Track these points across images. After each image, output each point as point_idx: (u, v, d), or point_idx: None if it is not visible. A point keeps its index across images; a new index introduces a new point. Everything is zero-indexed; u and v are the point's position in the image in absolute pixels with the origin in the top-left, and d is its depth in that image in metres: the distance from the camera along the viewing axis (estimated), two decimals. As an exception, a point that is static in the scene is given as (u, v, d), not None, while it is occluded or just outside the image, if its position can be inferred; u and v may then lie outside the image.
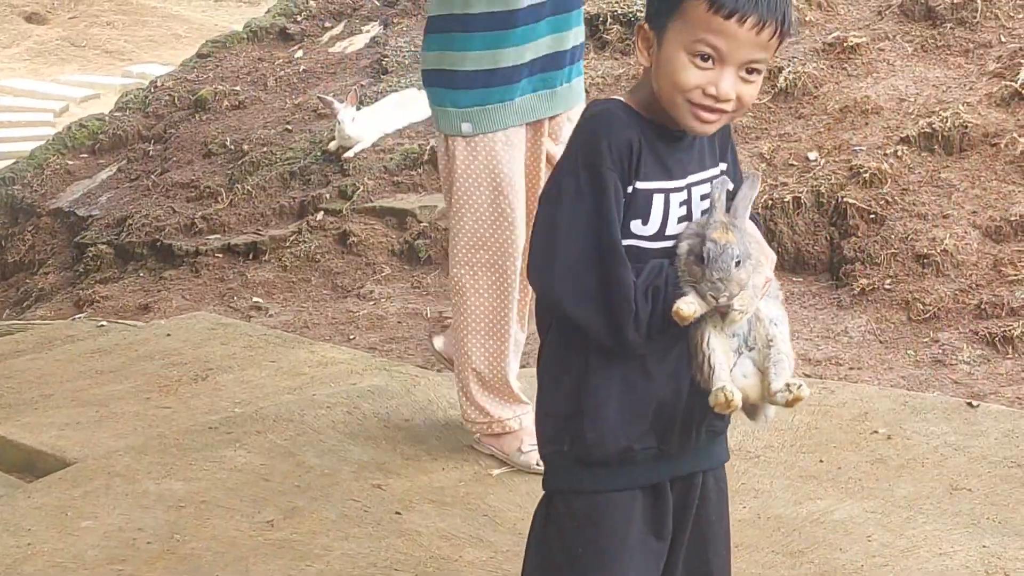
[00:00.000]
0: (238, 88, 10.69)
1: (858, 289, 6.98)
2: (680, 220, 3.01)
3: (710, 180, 3.06)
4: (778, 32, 2.91)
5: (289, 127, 9.92)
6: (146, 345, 7.19)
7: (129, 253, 9.31)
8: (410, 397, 5.97)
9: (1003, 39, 8.03)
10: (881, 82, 8.08)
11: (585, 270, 2.95)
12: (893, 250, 7.02)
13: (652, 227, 3.00)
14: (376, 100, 9.54)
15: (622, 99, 3.07)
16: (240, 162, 9.63)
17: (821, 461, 5.18)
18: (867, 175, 7.36)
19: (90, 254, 9.48)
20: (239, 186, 9.35)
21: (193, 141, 10.24)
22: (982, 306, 6.62)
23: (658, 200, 2.99)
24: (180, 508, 5.02)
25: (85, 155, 11.05)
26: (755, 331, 2.98)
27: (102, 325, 7.96)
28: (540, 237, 3.03)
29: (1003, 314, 6.56)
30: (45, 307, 9.18)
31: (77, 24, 23.65)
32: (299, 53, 11.11)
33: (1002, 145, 7.25)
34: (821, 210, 7.40)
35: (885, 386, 6.15)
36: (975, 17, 8.19)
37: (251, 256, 8.75)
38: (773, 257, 3.07)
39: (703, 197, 3.04)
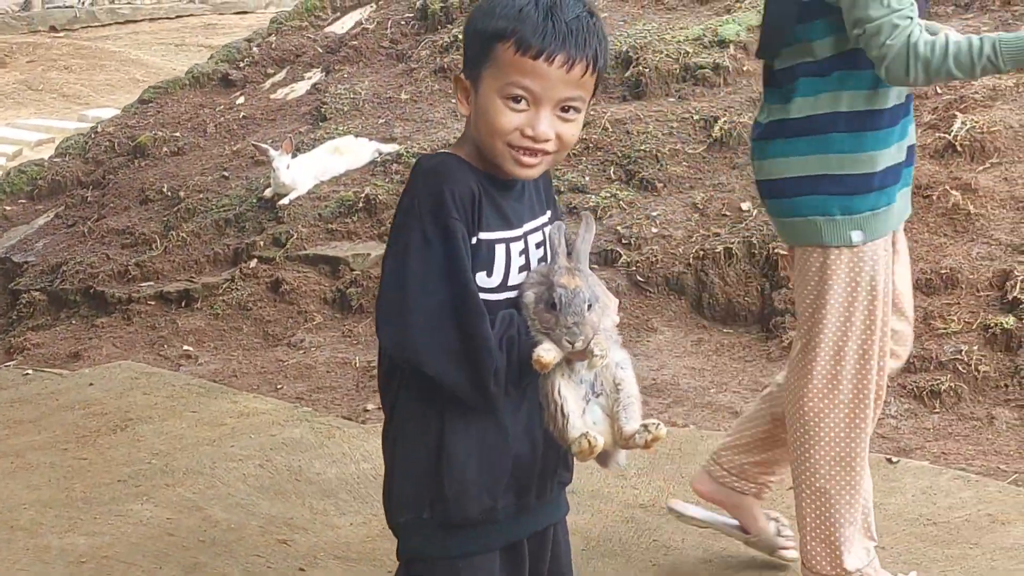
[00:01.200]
0: (178, 134, 10.61)
1: (788, 341, 6.91)
2: (520, 269, 2.98)
3: (542, 228, 3.04)
4: (590, 70, 2.90)
5: (226, 174, 9.84)
6: (68, 395, 7.10)
7: (62, 300, 9.20)
8: (324, 449, 5.89)
9: (939, 90, 7.99)
10: (816, 132, 8.04)
11: (444, 323, 2.89)
12: (823, 302, 6.94)
13: (496, 278, 2.96)
14: (314, 147, 9.47)
15: (451, 152, 3.04)
16: (176, 209, 9.54)
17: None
18: (799, 226, 7.30)
19: (23, 301, 9.37)
20: (174, 233, 9.26)
21: (131, 187, 10.14)
22: (911, 360, 6.54)
23: (500, 250, 2.96)
24: (81, 563, 4.93)
25: (24, 200, 10.95)
26: (602, 376, 2.93)
27: (27, 374, 7.85)
28: (390, 293, 2.94)
29: (931, 368, 6.50)
30: (-25, 354, 9.07)
31: (35, 68, 23.54)
32: (241, 99, 11.04)
33: (934, 197, 7.21)
34: (753, 261, 7.34)
35: (810, 440, 6.07)
36: (911, 68, 8.16)
37: (183, 304, 8.65)
38: (615, 301, 3.05)
39: (538, 245, 3.02)
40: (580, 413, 2.89)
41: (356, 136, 9.51)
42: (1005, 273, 6.72)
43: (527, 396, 2.95)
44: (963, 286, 6.78)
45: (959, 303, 6.73)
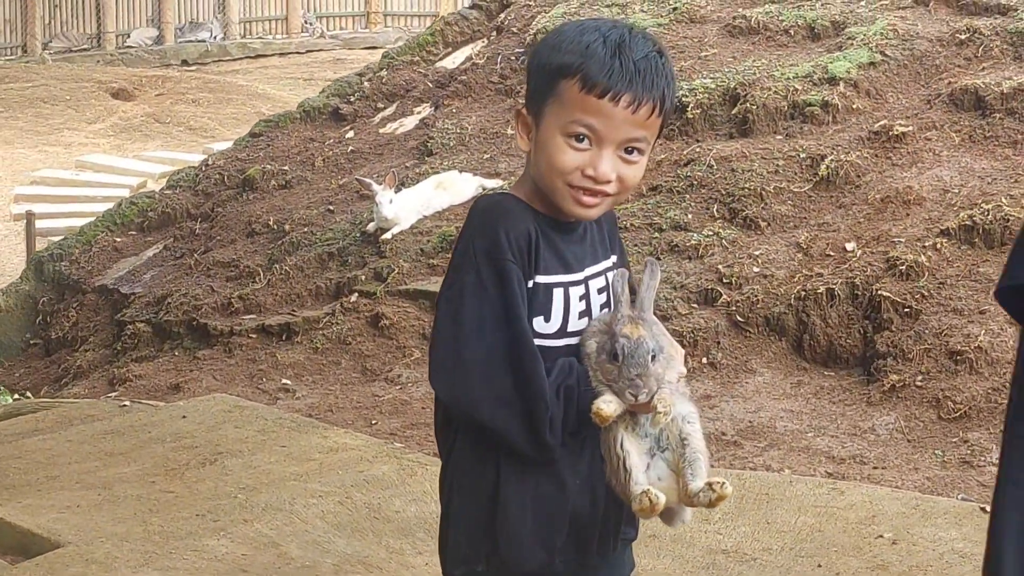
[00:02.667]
0: (286, 168, 10.65)
1: (889, 385, 6.76)
2: (581, 315, 2.90)
3: (605, 273, 2.95)
4: (657, 111, 2.83)
5: (331, 208, 9.85)
6: (160, 427, 7.10)
7: (166, 332, 9.25)
8: (406, 487, 5.83)
9: (1056, 129, 7.81)
10: (926, 172, 7.88)
11: (498, 371, 2.81)
12: (926, 345, 6.79)
13: (554, 324, 2.88)
14: (418, 181, 9.45)
15: (510, 192, 2.97)
16: (280, 242, 9.57)
17: (819, 566, 4.97)
18: (904, 267, 7.15)
19: (128, 332, 9.43)
20: (278, 266, 9.27)
21: (238, 220, 10.19)
22: (1015, 406, 6.36)
23: (559, 295, 2.88)
24: (152, 598, 4.90)
25: (133, 232, 11.04)
26: (667, 431, 2.83)
27: (124, 405, 7.88)
28: (444, 339, 2.88)
29: (1036, 415, 6.29)
30: (81, 384, 9.13)
31: (163, 101, 23.89)
32: (350, 133, 11.07)
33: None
34: (855, 302, 7.19)
35: (906, 487, 5.92)
36: (1030, 109, 7.99)
37: (284, 337, 8.65)
38: (681, 351, 2.94)
39: (600, 291, 2.93)
40: (644, 468, 2.80)
41: (460, 171, 9.47)
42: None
43: (588, 448, 2.87)
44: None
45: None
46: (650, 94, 2.81)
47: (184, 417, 7.24)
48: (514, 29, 11.30)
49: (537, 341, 2.84)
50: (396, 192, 9.10)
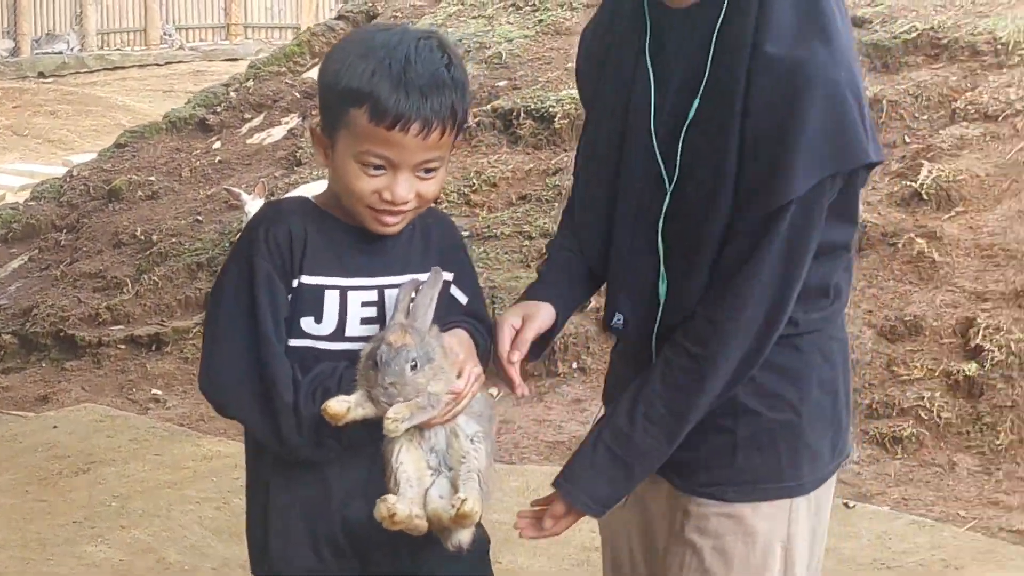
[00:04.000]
0: (153, 178, 10.62)
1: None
2: (364, 322, 2.89)
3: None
4: (449, 129, 2.82)
5: (200, 218, 9.84)
6: (31, 437, 7.08)
7: (33, 343, 9.18)
8: (282, 492, 5.88)
9: (907, 139, 8.03)
10: (786, 180, 8.07)
11: (245, 368, 2.82)
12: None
13: (327, 326, 2.88)
14: (287, 191, 9.47)
15: (303, 196, 2.98)
16: (149, 252, 9.55)
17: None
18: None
19: (-6, 344, 9.37)
20: (146, 276, 9.26)
21: (104, 231, 10.15)
22: (873, 406, 6.58)
23: (331, 297, 2.88)
24: (31, 604, 4.92)
25: (-2, 244, 10.98)
26: (452, 448, 2.82)
27: (-7, 416, 7.85)
28: (205, 337, 2.92)
29: (894, 414, 6.52)
30: (-55, 396, 9.05)
31: (21, 113, 23.59)
32: (217, 144, 11.06)
33: (900, 245, 7.23)
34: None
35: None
36: (880, 117, 8.20)
37: (154, 347, 8.64)
38: (479, 371, 2.89)
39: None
40: (419, 482, 2.77)
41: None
42: (968, 321, 6.74)
43: (367, 455, 2.84)
44: (927, 333, 6.81)
45: (922, 350, 6.76)
46: (439, 116, 2.79)
47: (55, 427, 7.23)
48: (380, 40, 11.37)
49: (308, 342, 2.85)
50: (265, 201, 9.13)
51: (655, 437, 2.86)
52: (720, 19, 2.80)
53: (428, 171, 2.84)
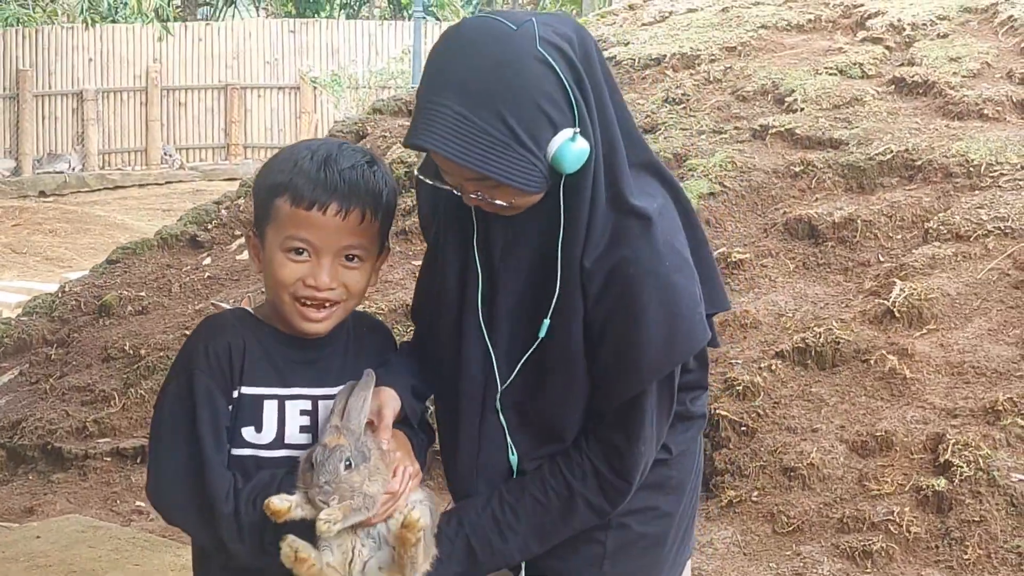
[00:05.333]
0: (143, 293, 10.75)
1: (726, 500, 7.02)
2: (303, 430, 3.00)
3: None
4: (368, 217, 2.97)
5: (187, 332, 9.94)
6: (13, 547, 7.15)
7: (20, 456, 9.28)
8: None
9: (880, 258, 8.18)
10: (762, 297, 8.21)
11: (186, 480, 2.92)
12: (762, 462, 7.07)
13: (267, 435, 2.99)
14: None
15: (248, 308, 3.14)
16: (136, 366, 9.65)
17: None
18: (741, 388, 7.44)
19: (-18, 457, 9.46)
20: (133, 390, 9.37)
21: (94, 345, 10.26)
22: (844, 520, 6.66)
23: (270, 407, 2.99)
24: None
25: (-11, 359, 11.09)
26: (390, 528, 2.93)
27: (-23, 527, 7.92)
28: (150, 450, 3.05)
29: (864, 528, 6.59)
30: (-67, 508, 9.12)
31: (20, 232, 23.82)
32: (207, 260, 11.21)
33: (872, 362, 7.34)
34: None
35: (739, 599, 6.15)
36: (855, 236, 8.36)
37: (139, 460, 8.72)
38: (414, 469, 3.03)
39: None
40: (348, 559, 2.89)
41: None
42: (938, 436, 6.84)
43: None
44: (897, 448, 6.90)
45: (893, 465, 6.85)
46: (358, 200, 2.95)
47: (38, 537, 7.30)
48: (370, 160, 11.54)
49: (249, 451, 2.98)
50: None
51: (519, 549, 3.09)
52: (560, 237, 2.98)
53: (351, 258, 2.98)
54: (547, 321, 2.98)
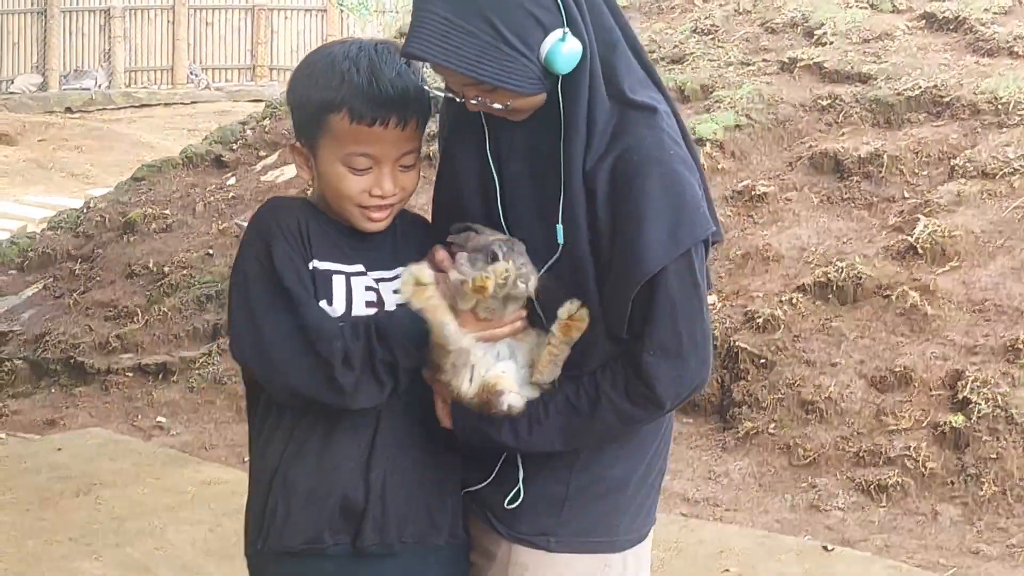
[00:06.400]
0: (167, 212, 10.79)
1: (743, 432, 7.05)
2: (368, 305, 3.05)
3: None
4: (420, 120, 3.03)
5: (211, 251, 10.00)
6: (35, 459, 7.22)
7: (43, 369, 9.34)
8: (275, 517, 6.00)
9: (906, 194, 8.16)
10: (785, 231, 8.21)
11: (293, 340, 2.96)
12: (780, 395, 7.09)
13: (338, 308, 3.04)
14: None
15: (297, 196, 3.22)
16: (160, 284, 9.71)
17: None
18: (761, 320, 7.45)
19: (5, 368, 9.51)
20: (156, 307, 9.42)
21: (118, 262, 10.31)
22: (861, 454, 6.69)
23: (339, 281, 3.05)
24: (25, 617, 5.05)
25: (13, 272, 11.11)
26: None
27: (0, 438, 7.98)
28: (243, 323, 3.04)
29: (880, 463, 6.62)
30: (-44, 418, 9.20)
31: (46, 147, 23.82)
32: (232, 180, 11.23)
33: (893, 297, 7.35)
34: (714, 353, 7.46)
35: (755, 527, 6.19)
36: (880, 172, 8.34)
37: (161, 376, 8.79)
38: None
39: (395, 292, 3.05)
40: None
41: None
42: (957, 373, 6.85)
43: (367, 434, 3.02)
44: (916, 384, 6.91)
45: (911, 400, 6.86)
46: (412, 109, 3.00)
47: (60, 449, 7.37)
48: (396, 83, 11.52)
49: None
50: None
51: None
52: (571, 149, 2.98)
53: (407, 164, 3.03)
54: (559, 226, 3.00)
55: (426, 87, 3.11)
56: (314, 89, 3.01)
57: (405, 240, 3.15)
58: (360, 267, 3.07)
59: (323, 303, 3.01)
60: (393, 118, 2.97)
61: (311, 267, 3.01)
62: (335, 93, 2.97)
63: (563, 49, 2.91)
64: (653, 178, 2.91)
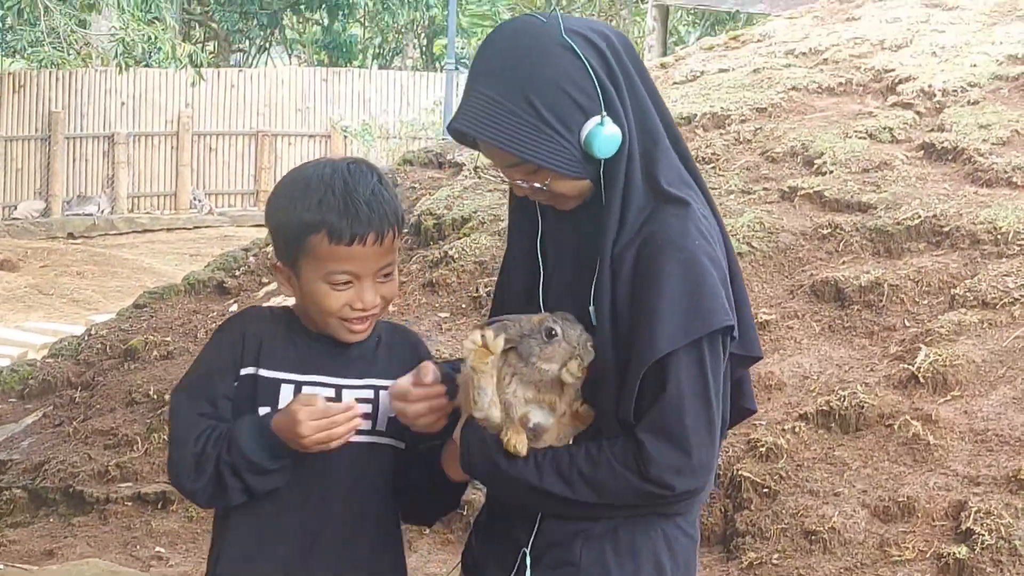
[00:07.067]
0: (169, 339, 10.80)
1: (747, 563, 7.00)
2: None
3: (374, 388, 3.29)
4: (396, 231, 3.22)
5: (212, 379, 9.99)
6: (32, 590, 7.17)
7: (42, 498, 9.31)
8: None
9: (906, 323, 8.18)
10: (787, 359, 8.21)
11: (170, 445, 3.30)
12: (783, 525, 7.05)
13: None
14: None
15: (281, 307, 3.43)
16: (160, 411, 9.68)
17: None
18: (764, 449, 7.44)
19: (4, 498, 9.47)
20: (156, 435, 9.39)
21: (119, 389, 10.30)
22: (866, 586, 6.65)
23: (287, 390, 3.23)
24: None
25: (14, 400, 11.11)
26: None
27: (-2, 568, 7.94)
28: None
29: (885, 594, 6.58)
30: (-46, 548, 9.14)
31: (47, 273, 23.92)
32: (234, 306, 11.24)
33: (896, 426, 7.34)
34: (717, 482, 7.45)
35: (759, 662, 6.14)
36: (881, 301, 8.36)
37: (160, 505, 8.76)
38: None
39: (359, 401, 3.25)
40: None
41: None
42: (960, 504, 6.82)
43: (318, 471, 3.24)
44: (919, 515, 6.88)
45: (914, 531, 6.83)
46: (387, 223, 3.19)
47: (56, 581, 7.32)
48: (399, 211, 11.58)
49: None
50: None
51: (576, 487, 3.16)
52: (605, 233, 3.14)
53: (386, 275, 3.23)
54: (592, 308, 3.11)
55: (482, 170, 3.40)
56: (292, 212, 3.20)
57: (388, 351, 3.34)
58: (317, 377, 3.25)
59: (266, 409, 3.20)
60: (371, 235, 3.15)
61: (251, 373, 3.22)
62: (313, 215, 3.16)
63: (603, 133, 3.07)
64: (673, 263, 3.05)
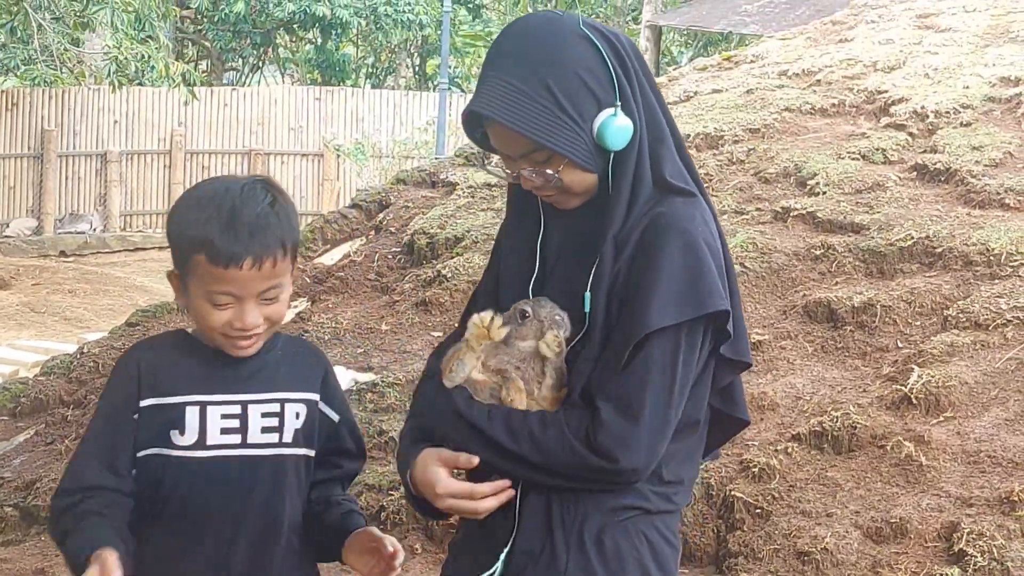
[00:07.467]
0: (161, 357, 10.78)
1: (739, 584, 7.00)
2: (225, 432, 3.31)
3: (279, 402, 3.34)
4: (279, 258, 3.23)
5: (204, 398, 9.98)
6: (24, 608, 7.15)
7: (34, 516, 9.27)
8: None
9: (899, 344, 8.19)
10: (780, 379, 8.22)
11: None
12: (776, 546, 7.05)
13: (189, 437, 3.28)
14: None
15: (187, 330, 3.46)
16: (152, 430, 9.68)
17: None
18: (756, 470, 7.43)
19: (-5, 515, 9.45)
20: (148, 454, 9.38)
21: (111, 407, 10.28)
22: (857, 607, 6.64)
23: (192, 412, 3.28)
24: None
25: (5, 418, 11.07)
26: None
27: (-11, 586, 7.91)
28: None
29: (877, 616, 6.57)
30: (-57, 567, 9.10)
31: (39, 291, 23.90)
32: (225, 326, 11.24)
33: (888, 448, 7.34)
34: (710, 503, 7.45)
35: None
36: (874, 321, 8.37)
37: (151, 524, 8.72)
38: None
39: (264, 415, 3.32)
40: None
41: (334, 365, 9.62)
42: (952, 525, 6.82)
43: (210, 519, 3.32)
44: (912, 536, 6.88)
45: (907, 552, 6.83)
46: (269, 250, 3.20)
47: (48, 599, 7.30)
48: (392, 229, 11.59)
49: (176, 452, 3.29)
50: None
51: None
52: (611, 223, 3.15)
53: (270, 298, 3.25)
54: (587, 295, 3.13)
55: (488, 169, 3.46)
56: (183, 226, 3.29)
57: (291, 364, 3.40)
58: (221, 396, 3.31)
59: (175, 432, 3.27)
60: (247, 260, 3.17)
61: (152, 404, 3.29)
62: (197, 233, 3.21)
63: (616, 124, 3.11)
64: (674, 244, 3.10)
